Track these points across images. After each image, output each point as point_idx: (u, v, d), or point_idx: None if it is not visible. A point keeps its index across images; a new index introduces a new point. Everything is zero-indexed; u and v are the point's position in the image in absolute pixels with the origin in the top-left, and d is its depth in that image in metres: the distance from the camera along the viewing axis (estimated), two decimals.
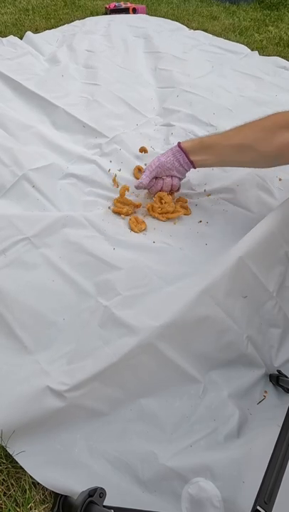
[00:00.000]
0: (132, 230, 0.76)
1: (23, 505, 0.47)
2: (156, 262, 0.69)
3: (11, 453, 0.49)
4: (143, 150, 0.92)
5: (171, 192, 0.80)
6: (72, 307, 0.63)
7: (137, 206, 0.80)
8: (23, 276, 0.66)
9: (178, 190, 0.81)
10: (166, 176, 0.77)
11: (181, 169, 0.75)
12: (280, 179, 0.82)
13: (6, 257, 0.68)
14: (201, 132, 0.97)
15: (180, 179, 0.79)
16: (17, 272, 0.66)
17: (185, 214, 0.79)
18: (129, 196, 0.81)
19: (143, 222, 0.77)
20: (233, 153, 0.69)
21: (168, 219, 0.78)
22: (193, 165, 0.75)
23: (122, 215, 0.78)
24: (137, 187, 0.77)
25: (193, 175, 0.83)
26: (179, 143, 0.74)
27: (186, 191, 0.83)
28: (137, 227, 0.76)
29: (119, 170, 0.88)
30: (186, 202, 0.81)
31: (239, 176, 0.81)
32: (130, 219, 0.77)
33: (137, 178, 0.85)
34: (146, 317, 0.57)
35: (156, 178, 0.78)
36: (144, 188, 0.79)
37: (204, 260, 0.68)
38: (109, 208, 0.80)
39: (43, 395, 0.50)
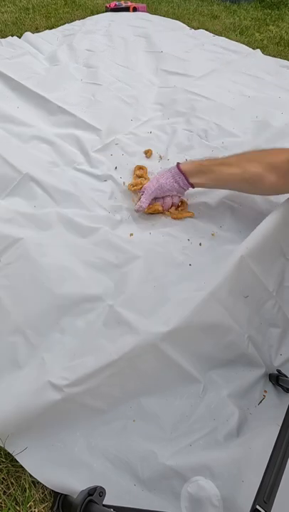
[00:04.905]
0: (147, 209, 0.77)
1: (22, 503, 0.47)
2: (161, 262, 0.69)
3: (10, 452, 0.49)
4: (148, 152, 0.93)
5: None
6: (77, 305, 0.63)
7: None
8: (28, 271, 0.66)
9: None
10: (166, 196, 0.78)
11: (181, 190, 0.77)
12: None
13: (13, 251, 0.68)
14: (203, 132, 0.97)
15: (179, 197, 0.80)
16: (23, 267, 0.66)
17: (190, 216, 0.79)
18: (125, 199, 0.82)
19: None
20: (237, 183, 0.71)
21: (175, 219, 0.78)
22: (193, 186, 0.76)
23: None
24: (137, 210, 0.76)
25: None
26: (178, 164, 0.75)
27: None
28: (151, 209, 0.77)
29: (122, 168, 0.88)
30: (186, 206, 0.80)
31: None
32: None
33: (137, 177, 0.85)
34: (148, 317, 0.57)
35: (155, 198, 0.78)
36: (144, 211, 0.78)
37: (208, 260, 0.68)
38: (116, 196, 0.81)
39: (43, 390, 0.51)
